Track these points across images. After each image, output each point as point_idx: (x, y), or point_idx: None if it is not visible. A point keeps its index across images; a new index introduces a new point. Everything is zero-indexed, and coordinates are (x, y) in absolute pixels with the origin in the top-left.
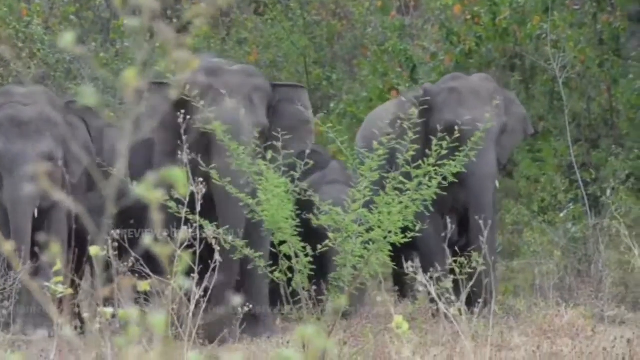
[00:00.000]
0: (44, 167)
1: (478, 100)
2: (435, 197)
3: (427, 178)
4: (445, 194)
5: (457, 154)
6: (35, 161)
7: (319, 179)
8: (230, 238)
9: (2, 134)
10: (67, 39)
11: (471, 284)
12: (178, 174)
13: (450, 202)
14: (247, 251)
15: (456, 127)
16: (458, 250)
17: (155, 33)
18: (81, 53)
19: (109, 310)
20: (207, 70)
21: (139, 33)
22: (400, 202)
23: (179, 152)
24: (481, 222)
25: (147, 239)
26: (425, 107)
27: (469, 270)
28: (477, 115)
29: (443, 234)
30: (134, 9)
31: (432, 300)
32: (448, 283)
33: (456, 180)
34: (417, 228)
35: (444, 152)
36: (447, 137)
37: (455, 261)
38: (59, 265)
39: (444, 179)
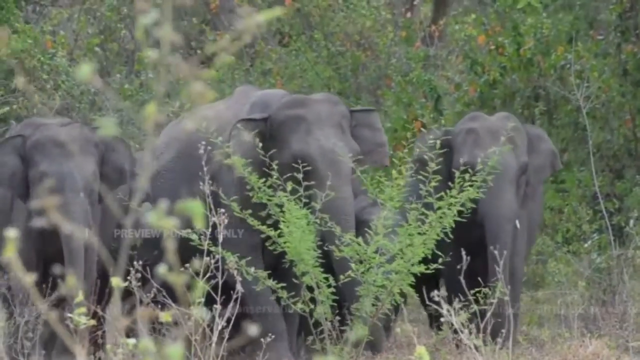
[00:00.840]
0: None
1: (495, 141)
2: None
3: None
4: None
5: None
6: (85, 182)
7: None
8: (252, 270)
9: (45, 156)
10: (84, 70)
11: (489, 314)
12: (195, 207)
13: (473, 241)
14: (270, 282)
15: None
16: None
17: (174, 70)
18: (98, 84)
19: (131, 341)
20: (294, 102)
21: (158, 66)
22: (423, 233)
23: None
24: (496, 252)
25: (162, 269)
26: (446, 149)
27: (491, 301)
28: (492, 156)
29: (458, 266)
30: (157, 41)
31: (456, 331)
32: (463, 315)
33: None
34: (440, 260)
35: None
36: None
37: (478, 291)
38: (80, 297)
39: (460, 212)
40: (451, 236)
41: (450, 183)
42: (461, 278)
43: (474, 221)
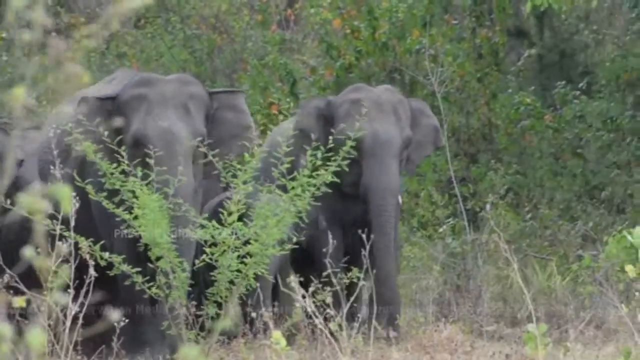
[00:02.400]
0: None
1: (380, 113)
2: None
3: (301, 190)
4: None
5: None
6: None
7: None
8: (107, 255)
9: None
10: None
11: (352, 299)
12: (63, 191)
13: (352, 216)
14: (125, 267)
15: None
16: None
17: (48, 51)
18: None
19: None
20: (141, 81)
21: (30, 48)
22: (276, 215)
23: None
24: (364, 236)
25: (27, 252)
26: (325, 118)
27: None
28: (377, 128)
29: (325, 249)
30: (20, 25)
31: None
32: (327, 297)
33: (349, 193)
34: (295, 240)
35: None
36: (322, 148)
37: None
38: None
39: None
40: (324, 223)
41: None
42: (327, 260)
43: (356, 195)
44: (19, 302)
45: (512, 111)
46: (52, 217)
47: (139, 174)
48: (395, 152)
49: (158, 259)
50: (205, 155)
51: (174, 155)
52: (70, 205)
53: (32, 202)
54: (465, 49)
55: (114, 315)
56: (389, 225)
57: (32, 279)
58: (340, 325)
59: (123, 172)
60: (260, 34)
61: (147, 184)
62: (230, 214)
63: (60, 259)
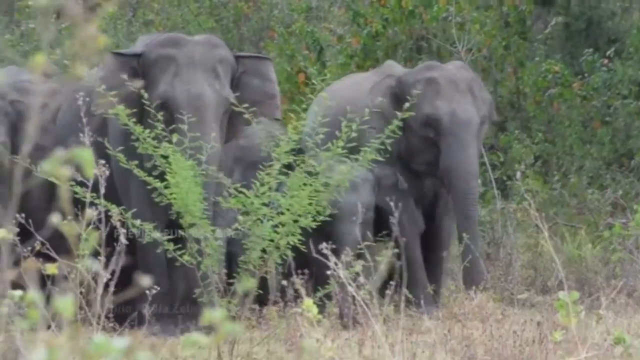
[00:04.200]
0: None
1: (457, 92)
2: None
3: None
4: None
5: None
6: None
7: None
8: (138, 222)
9: None
10: None
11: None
12: (85, 155)
13: (419, 193)
14: (157, 235)
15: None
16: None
17: (62, 14)
18: None
19: (17, 293)
20: (169, 41)
21: (46, 13)
22: (310, 185)
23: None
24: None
25: (54, 219)
26: (397, 97)
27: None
28: (455, 108)
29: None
30: None
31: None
32: (358, 267)
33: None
34: (327, 212)
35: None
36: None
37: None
38: None
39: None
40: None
41: (403, 135)
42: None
43: (429, 174)
44: (51, 269)
45: (540, 79)
46: (82, 184)
47: (174, 139)
48: (474, 132)
49: (190, 226)
50: (230, 121)
51: (205, 121)
52: (92, 170)
53: (55, 168)
54: (492, 16)
55: (145, 281)
56: (473, 208)
57: (61, 246)
58: (371, 293)
59: (156, 137)
60: (286, 2)
61: (180, 151)
62: (263, 183)
63: (89, 225)
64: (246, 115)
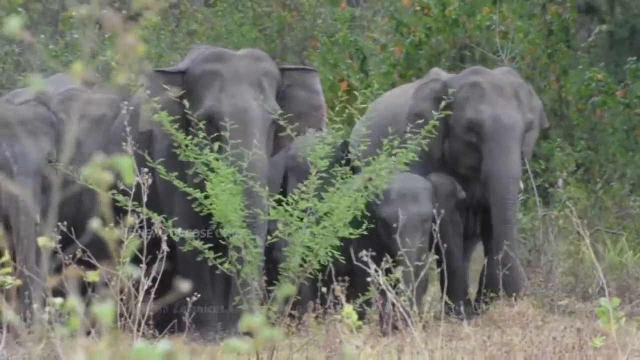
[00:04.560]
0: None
1: (501, 97)
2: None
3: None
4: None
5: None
6: (37, 164)
7: None
8: (179, 230)
9: None
10: (13, 24)
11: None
12: (125, 162)
13: (468, 199)
14: (197, 243)
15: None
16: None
17: (103, 24)
18: (27, 40)
19: (58, 300)
20: (213, 56)
21: (87, 22)
22: (350, 197)
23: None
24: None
25: (94, 224)
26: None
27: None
28: (499, 113)
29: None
30: (82, 1)
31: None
32: (398, 273)
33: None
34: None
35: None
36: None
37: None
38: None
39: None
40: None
41: (447, 139)
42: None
43: (473, 179)
44: (92, 276)
45: (583, 87)
46: (124, 192)
47: (216, 147)
48: (517, 137)
49: (230, 235)
50: (277, 133)
51: (250, 134)
52: (131, 176)
53: (95, 173)
54: (536, 25)
55: (185, 287)
56: (511, 213)
57: (101, 253)
58: (411, 300)
59: (197, 145)
60: (330, 11)
61: (222, 159)
62: (303, 192)
63: (130, 232)
64: (289, 130)
